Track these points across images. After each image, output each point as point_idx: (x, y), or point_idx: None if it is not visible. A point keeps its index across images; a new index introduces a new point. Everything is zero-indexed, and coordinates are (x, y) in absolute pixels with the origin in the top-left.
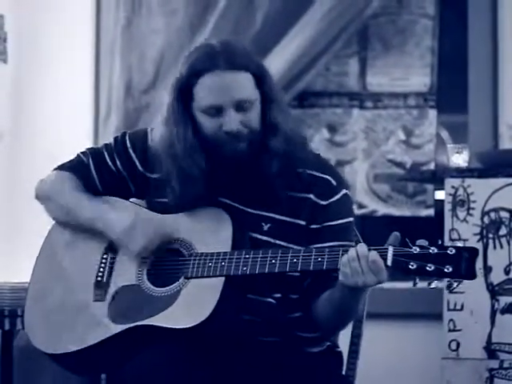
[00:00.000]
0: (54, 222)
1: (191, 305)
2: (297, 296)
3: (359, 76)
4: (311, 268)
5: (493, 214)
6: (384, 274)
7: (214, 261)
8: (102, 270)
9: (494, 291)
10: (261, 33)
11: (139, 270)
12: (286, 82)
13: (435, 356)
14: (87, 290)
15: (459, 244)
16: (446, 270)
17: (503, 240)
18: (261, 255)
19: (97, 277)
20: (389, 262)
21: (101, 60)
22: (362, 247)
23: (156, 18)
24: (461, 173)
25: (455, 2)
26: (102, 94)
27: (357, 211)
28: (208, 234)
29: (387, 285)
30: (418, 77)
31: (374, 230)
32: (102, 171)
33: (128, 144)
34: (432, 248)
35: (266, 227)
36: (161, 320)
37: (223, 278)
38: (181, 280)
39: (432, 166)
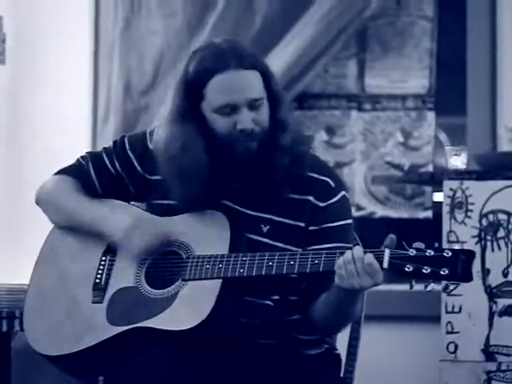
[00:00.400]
0: (53, 226)
1: (188, 307)
2: (295, 298)
3: (358, 78)
4: (308, 270)
5: (491, 217)
6: (380, 276)
7: (211, 263)
8: (100, 272)
9: (492, 293)
10: (259, 34)
11: (137, 272)
12: (284, 84)
13: (433, 358)
14: (86, 292)
15: (456, 246)
16: (442, 272)
17: (501, 242)
18: (258, 257)
19: (95, 279)
20: (385, 265)
21: (100, 61)
22: (358, 250)
23: (155, 20)
24: (459, 175)
25: (454, 3)
26: (100, 94)
27: (355, 213)
28: (206, 236)
29: (385, 287)
30: (417, 79)
31: (372, 231)
32: (101, 174)
33: (127, 146)
34: (428, 250)
35: (265, 229)
36: (158, 322)
37: (220, 281)
38: (178, 282)
39: (430, 168)
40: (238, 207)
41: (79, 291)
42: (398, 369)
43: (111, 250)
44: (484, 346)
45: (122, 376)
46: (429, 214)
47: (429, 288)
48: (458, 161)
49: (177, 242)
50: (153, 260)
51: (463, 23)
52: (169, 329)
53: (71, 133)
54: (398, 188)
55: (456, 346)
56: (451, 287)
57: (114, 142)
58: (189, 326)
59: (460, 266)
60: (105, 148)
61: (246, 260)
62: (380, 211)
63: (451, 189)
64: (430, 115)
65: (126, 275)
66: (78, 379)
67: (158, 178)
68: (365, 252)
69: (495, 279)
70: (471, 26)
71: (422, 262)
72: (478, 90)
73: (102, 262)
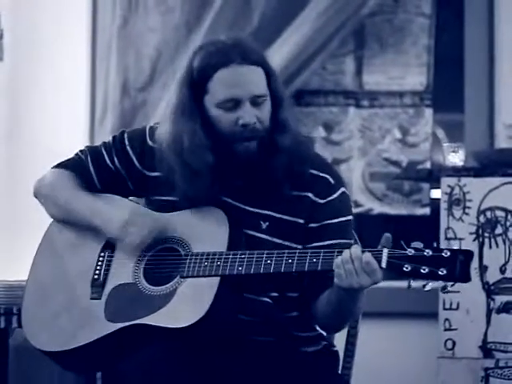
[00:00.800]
0: (52, 220)
1: (186, 304)
2: (294, 295)
3: (355, 75)
4: (306, 269)
5: (489, 213)
6: (378, 274)
7: (209, 260)
8: (98, 268)
9: (489, 290)
10: (257, 31)
11: (136, 269)
12: (282, 81)
13: (431, 355)
14: (84, 288)
15: (455, 244)
16: (440, 272)
17: (499, 239)
18: (256, 255)
19: (93, 275)
20: (383, 264)
21: (97, 58)
22: (356, 249)
23: (152, 17)
24: (457, 172)
25: (451, 0)
26: (98, 92)
27: (352, 210)
28: (204, 232)
29: (383, 284)
30: (414, 76)
31: (370, 228)
32: (100, 169)
33: (126, 142)
34: (427, 250)
35: (264, 225)
36: (156, 319)
37: (219, 278)
38: (177, 279)
39: (428, 165)
40: (237, 204)
41: (77, 287)
42: (395, 365)
43: (110, 246)
44: (482, 343)
45: (120, 372)
46: (426, 210)
47: (427, 288)
48: (455, 158)
49: (175, 238)
50: (151, 256)
51: (461, 20)
52: (167, 326)
53: (69, 130)
54: (395, 185)
55: (454, 343)
56: (449, 287)
57: (114, 137)
58: (187, 324)
59: (458, 267)
60: (104, 143)
61: (244, 258)
62: (378, 208)
63: (449, 185)
64: (428, 112)
65: (124, 271)
66: (76, 374)
67: (157, 174)
68: (363, 251)
69: (493, 276)
70: (469, 22)
71: (421, 261)
72: (475, 87)
73: (101, 258)
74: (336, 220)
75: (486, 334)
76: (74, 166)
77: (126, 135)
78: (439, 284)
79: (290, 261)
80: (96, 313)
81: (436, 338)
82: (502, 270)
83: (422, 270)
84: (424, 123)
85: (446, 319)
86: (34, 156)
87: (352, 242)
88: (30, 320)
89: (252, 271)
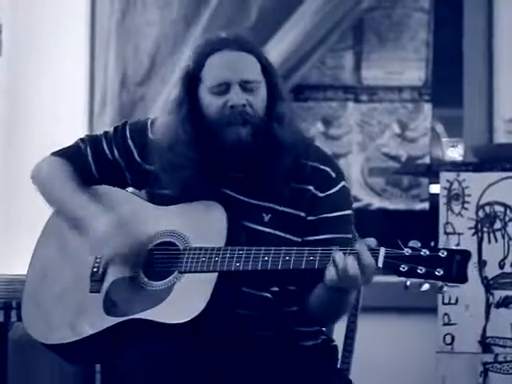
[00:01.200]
0: (52, 213)
1: (184, 299)
2: (294, 288)
3: (354, 69)
4: (303, 267)
5: (488, 208)
6: (371, 276)
7: (207, 256)
8: (98, 261)
9: (488, 285)
10: (256, 25)
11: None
12: (281, 76)
13: (430, 350)
14: (84, 281)
15: (452, 239)
16: (437, 273)
17: (498, 234)
18: (254, 252)
19: (93, 268)
20: (380, 264)
21: (96, 52)
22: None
23: (150, 11)
24: (456, 167)
25: None
26: (97, 86)
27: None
28: (203, 226)
29: (382, 278)
30: (413, 70)
31: (369, 223)
32: (98, 159)
33: (127, 134)
34: (424, 250)
35: (266, 218)
36: (154, 314)
37: (217, 273)
38: (175, 274)
39: (427, 160)
40: (239, 196)
41: (77, 280)
42: (394, 360)
43: None
44: (481, 338)
45: (119, 365)
46: (425, 205)
47: (423, 288)
48: (454, 152)
49: (173, 232)
50: (150, 250)
51: (460, 15)
52: (165, 322)
53: (68, 124)
54: (394, 179)
55: (453, 338)
56: (445, 288)
57: (116, 128)
58: (185, 320)
59: (455, 267)
60: (105, 132)
61: (242, 254)
62: (376, 203)
63: (448, 180)
64: (427, 107)
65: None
66: (75, 368)
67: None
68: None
69: (492, 271)
70: (468, 17)
71: (417, 261)
72: (474, 82)
73: None
74: (333, 214)
75: (485, 329)
76: (72, 154)
77: (127, 126)
78: (436, 284)
79: (287, 258)
80: (95, 306)
81: (435, 333)
82: (501, 265)
83: (418, 271)
84: (423, 118)
85: (445, 314)
86: (33, 149)
87: (350, 236)
88: (30, 312)
89: (249, 267)
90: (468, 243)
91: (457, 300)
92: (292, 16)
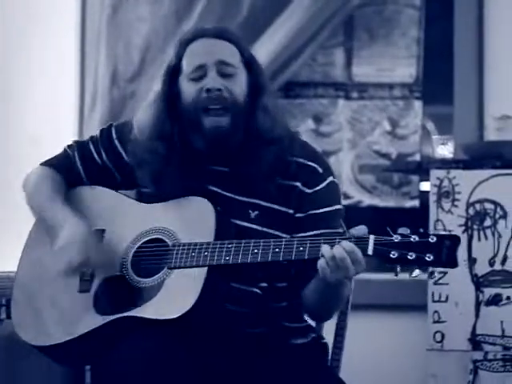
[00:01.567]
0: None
1: (174, 295)
2: (283, 284)
3: (345, 66)
4: (293, 258)
5: (478, 206)
6: (362, 265)
7: (196, 251)
8: None
9: (478, 283)
10: (247, 22)
11: (124, 261)
12: (271, 72)
13: (420, 347)
14: (72, 281)
15: (442, 231)
16: (427, 258)
17: (488, 231)
18: (243, 245)
19: None
20: (370, 251)
21: (86, 48)
22: (338, 249)
23: (141, 6)
24: (446, 164)
25: None
26: (87, 82)
27: (341, 199)
28: (191, 223)
29: (371, 276)
30: (404, 67)
31: (359, 220)
32: (87, 164)
33: (114, 135)
34: (413, 236)
35: (253, 215)
36: (145, 311)
37: (206, 268)
38: (164, 270)
39: (417, 157)
40: (224, 192)
41: (66, 279)
42: (384, 358)
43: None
44: (471, 336)
45: (109, 365)
46: (416, 203)
47: (414, 274)
48: (444, 150)
49: (162, 229)
50: (138, 248)
51: (450, 12)
52: (155, 318)
53: (58, 120)
54: (384, 177)
55: (443, 335)
56: (436, 274)
57: (101, 131)
58: (174, 316)
59: (445, 252)
60: (91, 137)
61: (231, 247)
62: (367, 200)
63: (438, 178)
64: (417, 104)
65: (112, 263)
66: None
67: None
68: (349, 240)
69: (482, 268)
70: (458, 14)
71: (407, 247)
72: (465, 79)
73: None
74: (321, 210)
75: (474, 327)
76: (60, 163)
77: (113, 129)
78: (426, 271)
79: (276, 250)
80: (85, 305)
81: (425, 331)
82: (491, 263)
83: (408, 257)
84: (413, 115)
85: (435, 312)
86: (23, 146)
87: (340, 231)
88: (20, 313)
89: (239, 260)
90: (455, 233)
91: (447, 298)
92: (283, 12)
